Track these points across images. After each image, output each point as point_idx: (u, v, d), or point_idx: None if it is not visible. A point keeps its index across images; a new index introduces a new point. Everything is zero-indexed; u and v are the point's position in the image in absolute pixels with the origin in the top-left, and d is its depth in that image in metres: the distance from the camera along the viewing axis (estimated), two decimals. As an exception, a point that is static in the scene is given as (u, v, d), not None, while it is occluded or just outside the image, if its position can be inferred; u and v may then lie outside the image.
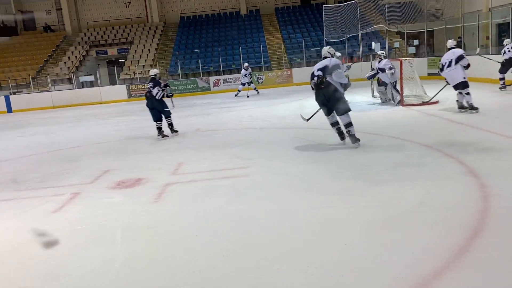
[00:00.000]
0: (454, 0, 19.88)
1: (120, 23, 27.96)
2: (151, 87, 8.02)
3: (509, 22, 14.75)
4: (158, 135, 8.17)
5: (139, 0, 28.28)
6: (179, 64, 22.29)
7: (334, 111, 6.02)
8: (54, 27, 28.28)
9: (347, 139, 6.07)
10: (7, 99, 20.72)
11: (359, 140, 5.97)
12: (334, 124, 6.23)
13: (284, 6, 28.13)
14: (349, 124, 5.92)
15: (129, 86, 21.37)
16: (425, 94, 10.19)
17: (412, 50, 19.02)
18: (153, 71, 8.41)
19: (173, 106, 12.77)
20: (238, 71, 21.77)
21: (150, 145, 7.80)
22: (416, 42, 19.34)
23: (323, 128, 7.76)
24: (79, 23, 28.63)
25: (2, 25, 27.95)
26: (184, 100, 18.46)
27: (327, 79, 5.83)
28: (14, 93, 21.89)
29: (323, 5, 21.66)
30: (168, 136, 8.23)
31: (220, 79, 21.33)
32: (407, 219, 3.32)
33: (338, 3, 22.32)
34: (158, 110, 8.09)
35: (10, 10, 28.11)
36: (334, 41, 21.07)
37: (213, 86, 21.36)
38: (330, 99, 5.90)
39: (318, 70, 6.00)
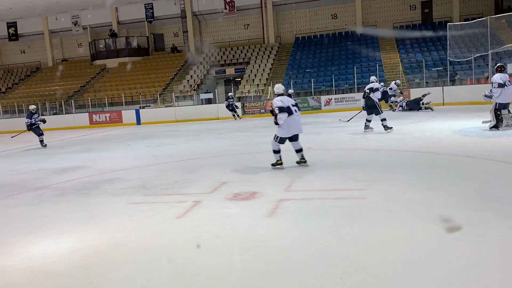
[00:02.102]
0: None
1: (238, 44, 29.58)
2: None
3: None
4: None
5: (257, 23, 29.65)
6: (291, 83, 22.72)
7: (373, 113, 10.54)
8: (180, 48, 30.97)
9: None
10: (137, 113, 23.13)
11: (391, 128, 10.41)
12: (369, 120, 10.82)
13: (403, 24, 27.13)
14: (384, 120, 10.43)
15: (244, 104, 22.34)
16: None
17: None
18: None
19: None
20: (351, 90, 21.49)
21: (263, 160, 8.00)
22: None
23: (446, 153, 7.24)
24: (202, 44, 30.94)
25: (137, 47, 31.47)
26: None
27: (370, 95, 10.51)
28: (143, 107, 24.34)
29: (447, 23, 20.39)
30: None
31: (331, 99, 21.23)
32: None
33: (464, 21, 20.82)
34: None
35: (144, 33, 31.53)
36: (458, 61, 19.67)
37: (324, 105, 21.33)
38: (370, 106, 10.61)
39: (368, 88, 10.64)
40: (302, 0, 27.98)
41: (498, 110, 9.30)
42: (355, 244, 3.45)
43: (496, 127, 9.30)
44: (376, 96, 10.59)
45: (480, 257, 3.05)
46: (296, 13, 29.15)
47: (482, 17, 19.53)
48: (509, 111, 9.46)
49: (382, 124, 10.43)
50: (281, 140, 6.74)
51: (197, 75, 26.93)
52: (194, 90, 25.22)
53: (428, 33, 25.36)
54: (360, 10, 27.44)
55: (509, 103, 9.37)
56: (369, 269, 2.98)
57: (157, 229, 4.20)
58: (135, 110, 23.45)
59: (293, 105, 6.63)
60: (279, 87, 6.94)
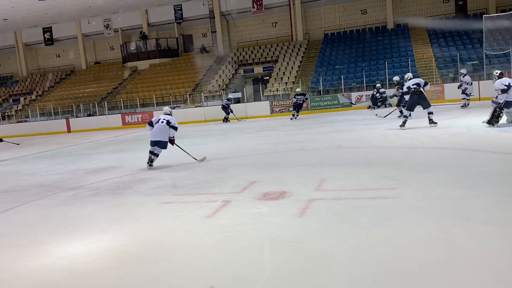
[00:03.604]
0: None
1: (266, 43, 29.52)
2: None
3: None
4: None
5: (285, 20, 29.50)
6: (320, 80, 22.48)
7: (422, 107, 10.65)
8: (208, 48, 31.20)
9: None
10: (168, 113, 23.41)
11: (436, 123, 10.39)
12: (408, 116, 10.74)
13: (436, 17, 26.33)
14: (431, 113, 10.52)
15: (272, 102, 22.29)
16: None
17: None
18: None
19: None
20: (383, 86, 21.06)
21: (292, 159, 7.96)
22: None
23: (483, 150, 6.96)
24: (230, 44, 31.06)
25: (166, 48, 31.91)
26: (325, 116, 18.50)
27: (420, 89, 10.54)
28: (174, 108, 24.65)
29: (483, 15, 19.65)
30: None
31: (362, 95, 20.87)
32: None
33: (501, 12, 20.04)
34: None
35: (174, 34, 31.93)
36: (495, 54, 18.93)
37: (355, 102, 20.98)
38: (421, 100, 10.57)
39: (413, 84, 10.63)
40: (331, -4, 27.64)
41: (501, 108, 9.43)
42: (388, 245, 3.34)
43: (491, 123, 9.53)
44: (426, 89, 10.87)
45: (523, 259, 2.89)
46: (324, 9, 28.81)
47: (520, 8, 18.74)
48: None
49: (429, 117, 10.53)
50: (150, 143, 8.32)
51: (226, 75, 27.05)
52: (223, 89, 25.36)
53: (463, 26, 24.54)
54: (390, 4, 26.82)
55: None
56: (403, 271, 2.88)
57: (188, 228, 4.23)
58: (166, 110, 23.79)
59: (161, 120, 8.25)
60: (165, 109, 8.77)
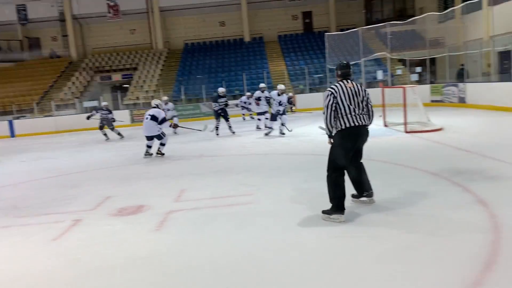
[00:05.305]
0: (455, 29, 20.14)
1: (124, 50, 28.36)
2: None
3: (510, 50, 14.88)
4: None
5: (144, 28, 28.78)
6: (182, 89, 22.47)
7: None
8: (59, 53, 28.70)
9: None
10: (10, 124, 20.81)
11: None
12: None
13: (287, 33, 28.56)
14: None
15: (132, 111, 21.49)
16: (429, 121, 10.17)
17: (414, 77, 19.17)
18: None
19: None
20: (242, 96, 21.93)
21: (152, 171, 7.76)
22: (419, 69, 19.48)
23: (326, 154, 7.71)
24: (84, 49, 29.09)
25: (8, 51, 28.38)
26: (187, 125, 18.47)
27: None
28: (18, 118, 21.99)
29: (326, 33, 21.96)
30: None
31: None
32: (416, 250, 3.22)
33: (340, 31, 22.64)
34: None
35: (17, 36, 28.61)
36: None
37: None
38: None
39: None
40: (190, 7, 27.85)
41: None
42: (245, 252, 3.47)
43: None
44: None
45: (357, 253, 3.28)
46: (184, 20, 28.91)
47: (355, 28, 21.38)
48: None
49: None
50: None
51: (80, 82, 25.21)
52: (77, 98, 23.55)
53: (310, 42, 27.07)
54: (246, 19, 28.18)
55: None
56: (258, 276, 3.02)
57: (30, 255, 3.78)
58: (8, 121, 21.07)
59: (146, 116, 8.88)
60: (154, 101, 9.43)
